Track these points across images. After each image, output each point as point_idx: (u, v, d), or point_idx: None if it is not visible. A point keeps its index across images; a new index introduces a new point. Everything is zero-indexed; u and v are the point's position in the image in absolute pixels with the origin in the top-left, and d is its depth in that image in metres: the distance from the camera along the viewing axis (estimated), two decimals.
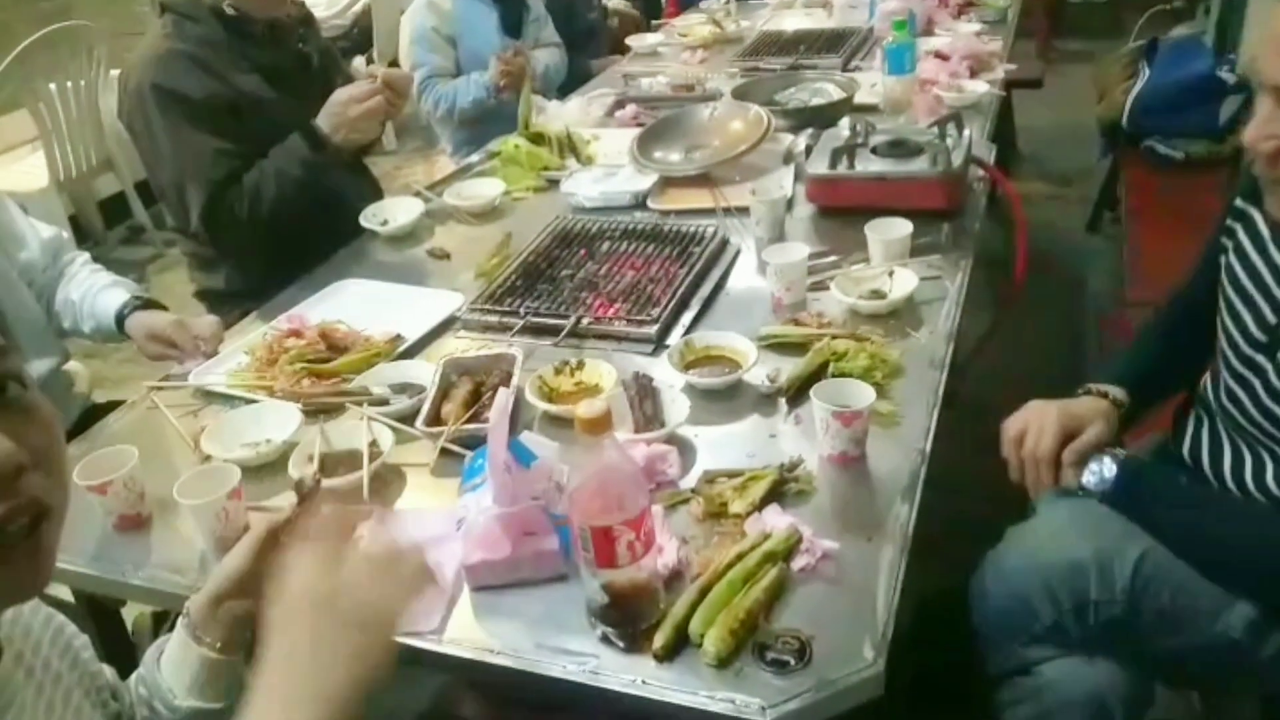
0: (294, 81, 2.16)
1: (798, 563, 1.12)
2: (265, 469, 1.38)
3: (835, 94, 2.49)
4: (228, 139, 2.00)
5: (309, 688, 0.71)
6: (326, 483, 1.30)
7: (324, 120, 2.00)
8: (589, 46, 3.66)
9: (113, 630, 1.46)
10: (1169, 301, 1.55)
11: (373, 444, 1.36)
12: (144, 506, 1.32)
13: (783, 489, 1.23)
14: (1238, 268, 1.31)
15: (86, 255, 1.92)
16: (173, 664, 0.98)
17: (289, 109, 2.09)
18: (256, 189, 2.00)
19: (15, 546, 0.67)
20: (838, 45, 3.00)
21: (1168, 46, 3.33)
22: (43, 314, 1.82)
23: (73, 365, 1.95)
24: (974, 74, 2.62)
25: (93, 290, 1.80)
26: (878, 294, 1.63)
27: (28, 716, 0.81)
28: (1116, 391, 1.39)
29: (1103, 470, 1.29)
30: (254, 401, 1.52)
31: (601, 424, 0.98)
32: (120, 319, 1.75)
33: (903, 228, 1.72)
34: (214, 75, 2.01)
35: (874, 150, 1.98)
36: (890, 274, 1.66)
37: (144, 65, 1.99)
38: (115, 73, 3.94)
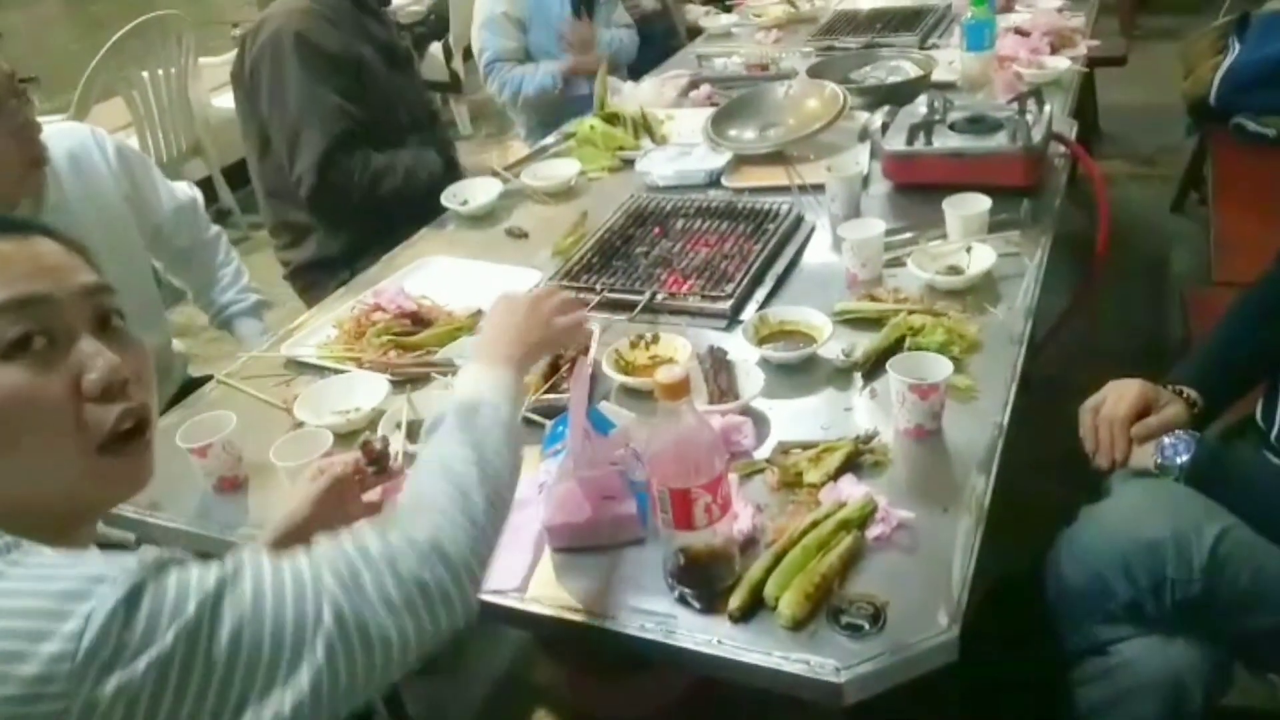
0: (396, 59, 2.31)
1: (873, 531, 1.13)
2: (354, 435, 1.43)
3: (912, 71, 2.47)
4: (350, 99, 2.15)
5: (499, 358, 1.06)
6: (411, 448, 1.35)
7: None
8: (658, 25, 3.65)
9: None
10: (1258, 284, 1.51)
11: None
12: (241, 469, 1.39)
13: (858, 460, 1.24)
14: None
15: (224, 238, 2.11)
16: None
17: (393, 84, 2.24)
18: (385, 169, 2.18)
19: (129, 445, 0.82)
20: (914, 23, 2.96)
21: (1260, 21, 3.20)
22: (157, 291, 1.95)
23: (175, 343, 2.07)
24: (1055, 50, 2.57)
25: (234, 309, 2.08)
26: (955, 270, 1.62)
27: None
28: (1192, 393, 1.38)
29: (1178, 449, 1.28)
30: (343, 372, 1.58)
31: (680, 389, 1.00)
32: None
33: (981, 203, 1.70)
34: (345, 38, 2.17)
35: (952, 126, 1.95)
36: (968, 250, 1.64)
37: (286, 15, 2.14)
38: (204, 60, 4.09)
